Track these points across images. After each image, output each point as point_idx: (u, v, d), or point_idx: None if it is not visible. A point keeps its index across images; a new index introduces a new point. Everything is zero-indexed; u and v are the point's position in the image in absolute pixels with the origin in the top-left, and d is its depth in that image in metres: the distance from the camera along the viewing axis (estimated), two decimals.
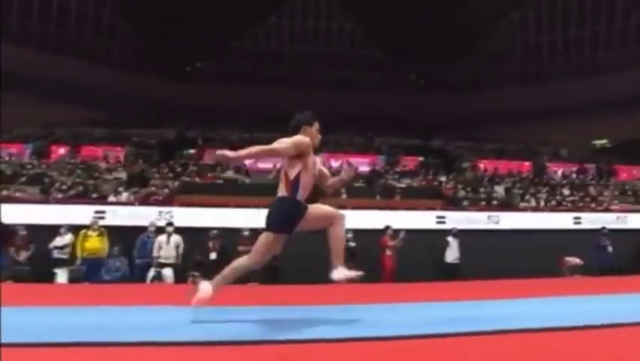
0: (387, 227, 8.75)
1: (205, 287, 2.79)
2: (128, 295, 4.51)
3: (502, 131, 25.06)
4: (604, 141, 28.09)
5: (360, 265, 9.01)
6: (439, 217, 9.89)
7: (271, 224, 2.85)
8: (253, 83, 24.45)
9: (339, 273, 2.82)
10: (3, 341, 2.07)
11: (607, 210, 11.85)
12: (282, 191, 2.89)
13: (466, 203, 11.48)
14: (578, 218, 10.95)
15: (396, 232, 8.64)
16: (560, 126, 25.01)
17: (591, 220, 10.88)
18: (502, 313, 3.21)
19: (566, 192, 14.29)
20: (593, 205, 12.60)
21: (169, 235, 8.05)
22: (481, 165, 18.83)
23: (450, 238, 8.99)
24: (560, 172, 18.71)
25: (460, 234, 9.05)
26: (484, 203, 11.81)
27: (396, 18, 24.18)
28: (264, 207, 3.01)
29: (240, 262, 2.93)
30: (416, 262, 8.70)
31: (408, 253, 8.77)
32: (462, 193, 12.33)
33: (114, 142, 17.61)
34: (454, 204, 11.44)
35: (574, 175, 17.89)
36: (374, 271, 8.63)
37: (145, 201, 10.18)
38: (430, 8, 24.27)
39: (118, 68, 22.67)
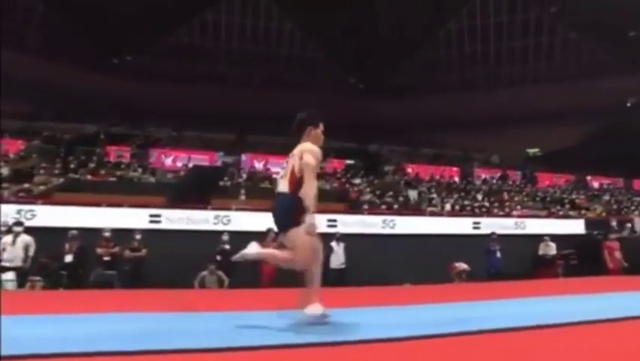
0: (269, 230, 8.31)
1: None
2: None
3: (443, 137, 25.53)
4: (536, 150, 29.29)
5: (238, 270, 8.61)
6: (329, 220, 9.56)
7: (278, 223, 2.94)
8: (186, 80, 23.57)
9: (314, 310, 2.80)
10: None
11: (507, 215, 12.03)
12: (283, 187, 2.92)
13: (366, 206, 11.27)
14: (478, 223, 11.00)
15: (277, 235, 8.21)
16: (498, 134, 25.82)
17: (489, 226, 10.95)
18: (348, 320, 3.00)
19: (479, 197, 14.49)
20: (498, 211, 12.78)
21: (16, 235, 7.22)
22: (410, 170, 18.95)
23: (334, 244, 8.66)
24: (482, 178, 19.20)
25: (345, 238, 8.75)
26: (384, 207, 11.66)
27: (337, 20, 24.08)
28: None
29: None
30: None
31: None
32: (367, 197, 12.14)
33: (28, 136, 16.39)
34: (354, 207, 11.21)
35: (494, 181, 18.32)
36: (252, 276, 8.20)
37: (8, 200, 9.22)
38: (372, 13, 24.39)
39: (34, 54, 21.04)
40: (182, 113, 22.06)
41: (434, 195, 13.67)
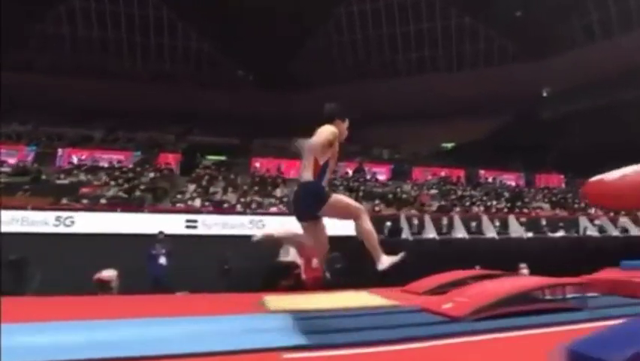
0: None
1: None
2: None
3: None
4: (451, 143, 27.41)
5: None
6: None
7: (298, 212, 3.02)
8: (55, 73, 22.13)
9: (384, 262, 2.94)
10: None
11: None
12: (307, 176, 2.98)
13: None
14: (194, 221, 9.29)
15: None
16: (399, 126, 24.08)
17: (210, 224, 9.25)
18: None
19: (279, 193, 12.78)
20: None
21: None
22: (257, 165, 17.37)
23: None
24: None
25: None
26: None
27: (222, 10, 22.53)
28: None
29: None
30: None
31: None
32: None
33: None
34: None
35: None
36: None
37: None
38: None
39: None
40: (52, 108, 20.71)
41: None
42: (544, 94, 25.01)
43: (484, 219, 10.88)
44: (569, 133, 22.17)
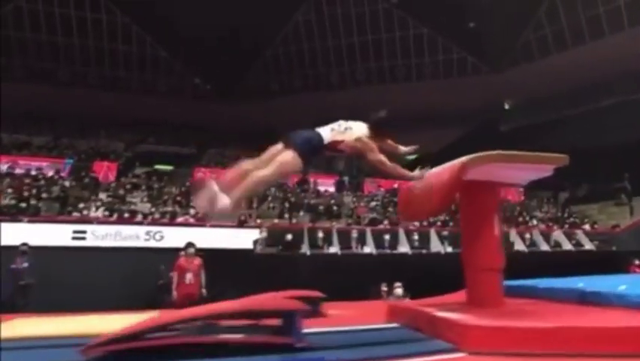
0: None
1: (223, 198, 2.83)
2: None
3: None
4: (414, 155, 27.01)
5: None
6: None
7: (297, 142, 3.14)
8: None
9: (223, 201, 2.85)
10: None
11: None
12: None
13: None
14: (82, 232, 8.53)
15: None
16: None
17: (101, 235, 8.51)
18: None
19: None
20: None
21: None
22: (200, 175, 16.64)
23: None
24: None
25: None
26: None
27: (178, 17, 21.97)
28: None
29: (259, 173, 3.01)
30: None
31: None
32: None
33: None
34: None
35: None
36: None
37: None
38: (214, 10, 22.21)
39: None
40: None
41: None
42: (506, 106, 24.87)
43: (400, 232, 10.34)
44: (529, 145, 21.95)
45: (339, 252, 9.56)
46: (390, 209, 14.14)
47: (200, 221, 9.25)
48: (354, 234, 10.35)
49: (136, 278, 7.78)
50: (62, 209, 10.20)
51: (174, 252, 7.28)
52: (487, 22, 20.04)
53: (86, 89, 22.45)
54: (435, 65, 22.90)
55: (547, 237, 12.85)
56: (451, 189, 3.61)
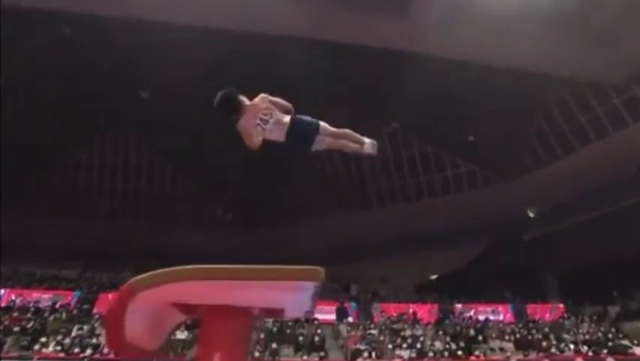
0: None
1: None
2: None
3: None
4: (435, 275, 25.45)
5: None
6: None
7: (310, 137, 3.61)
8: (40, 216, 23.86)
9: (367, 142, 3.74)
10: None
11: None
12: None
13: None
14: None
15: None
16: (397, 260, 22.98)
17: None
18: None
19: None
20: None
21: None
22: None
23: None
24: None
25: None
26: None
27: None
28: None
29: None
30: None
31: None
32: None
33: None
34: None
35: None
36: None
37: None
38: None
39: None
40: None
41: None
42: (530, 214, 23.57)
43: None
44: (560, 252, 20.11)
45: None
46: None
47: None
48: None
49: None
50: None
51: None
52: (485, 134, 20.40)
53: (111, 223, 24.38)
54: (445, 180, 23.03)
55: None
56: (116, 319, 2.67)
